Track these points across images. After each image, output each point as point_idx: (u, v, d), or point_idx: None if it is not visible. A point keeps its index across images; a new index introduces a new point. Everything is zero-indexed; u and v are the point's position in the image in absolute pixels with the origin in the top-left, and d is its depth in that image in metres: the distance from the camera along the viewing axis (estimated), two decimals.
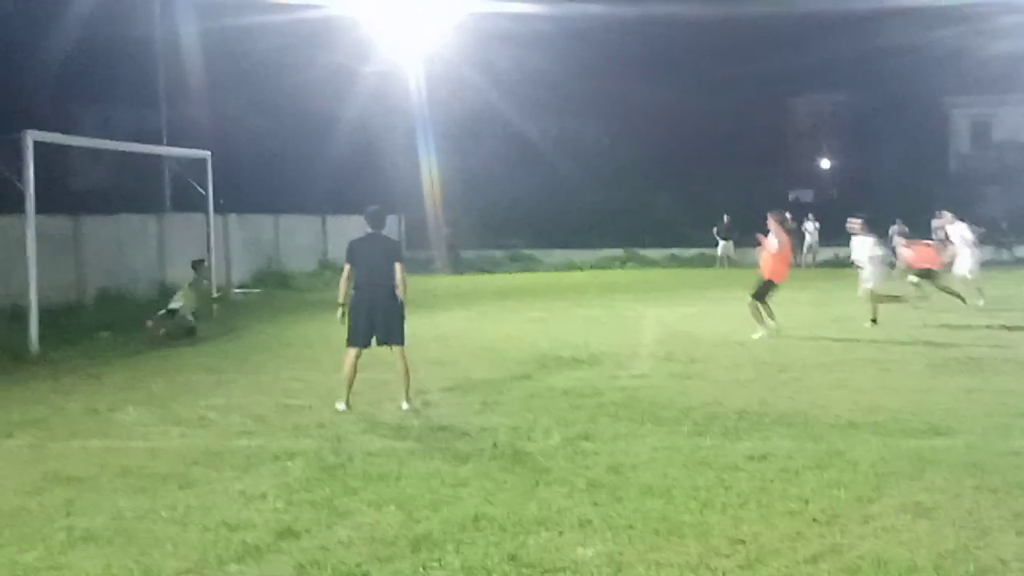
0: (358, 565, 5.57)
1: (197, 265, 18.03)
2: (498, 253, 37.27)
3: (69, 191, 32.54)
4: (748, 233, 18.95)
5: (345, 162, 37.31)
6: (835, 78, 49.01)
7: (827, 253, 34.59)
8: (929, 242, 20.37)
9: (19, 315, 15.24)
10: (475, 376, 11.77)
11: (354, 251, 9.94)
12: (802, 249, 33.64)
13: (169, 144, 26.01)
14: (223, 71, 34.36)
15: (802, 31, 43.08)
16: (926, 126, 48.84)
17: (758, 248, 15.54)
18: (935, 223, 33.99)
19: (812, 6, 39.57)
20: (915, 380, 11.11)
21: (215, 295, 17.86)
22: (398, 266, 9.84)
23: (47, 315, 15.68)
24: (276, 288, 26.19)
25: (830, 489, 6.80)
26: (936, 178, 45.71)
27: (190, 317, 16.37)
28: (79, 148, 26.04)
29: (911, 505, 6.45)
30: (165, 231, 24.40)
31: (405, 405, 9.84)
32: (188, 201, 22.76)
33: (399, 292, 9.84)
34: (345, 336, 9.96)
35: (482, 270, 34.37)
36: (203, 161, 21.03)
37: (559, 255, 36.62)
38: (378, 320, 9.80)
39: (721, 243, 34.22)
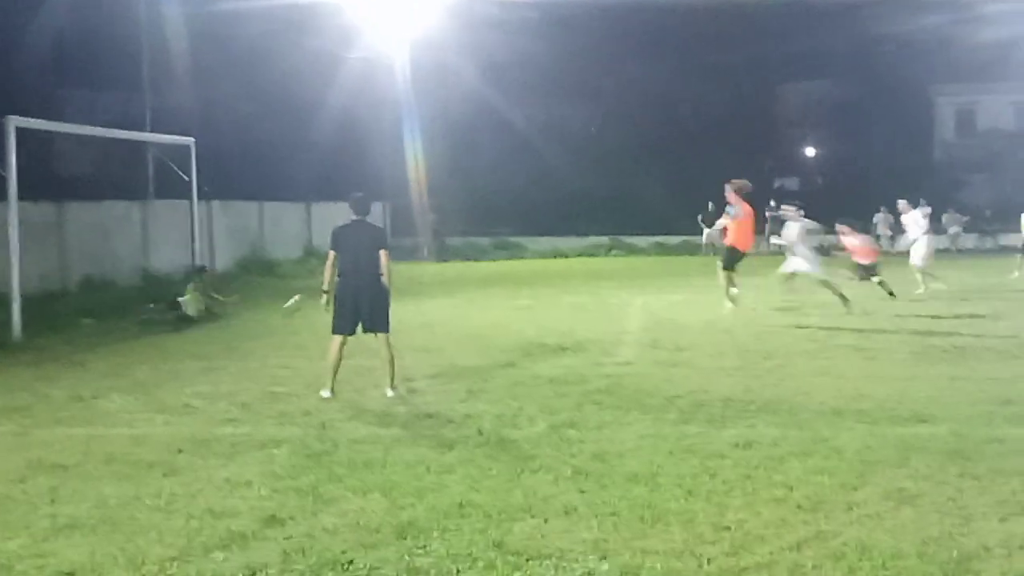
0: (343, 552, 5.56)
1: (199, 273, 18.10)
2: (484, 240, 37.24)
3: (53, 177, 32.30)
4: None
5: (330, 149, 37.19)
6: (821, 66, 49.00)
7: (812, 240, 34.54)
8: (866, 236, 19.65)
9: (2, 302, 15.10)
10: (460, 363, 11.76)
11: (339, 238, 9.91)
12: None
13: (154, 130, 25.88)
14: (208, 57, 34.12)
15: (787, 19, 43.10)
16: (911, 114, 49.01)
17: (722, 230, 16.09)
18: (877, 217, 34.24)
19: None
20: (899, 368, 11.15)
21: (221, 298, 17.70)
22: (383, 253, 9.82)
23: (30, 302, 15.62)
24: (261, 276, 26.06)
25: (815, 476, 6.82)
26: (921, 166, 45.91)
27: (191, 313, 16.38)
28: (63, 134, 25.88)
29: (895, 492, 6.48)
30: (149, 218, 24.33)
31: (390, 392, 9.82)
32: (172, 188, 22.62)
33: (384, 279, 9.83)
34: (330, 323, 9.94)
35: (468, 257, 34.32)
36: (187, 148, 20.93)
37: (545, 242, 36.59)
38: (363, 307, 9.78)
39: (706, 231, 34.19)
